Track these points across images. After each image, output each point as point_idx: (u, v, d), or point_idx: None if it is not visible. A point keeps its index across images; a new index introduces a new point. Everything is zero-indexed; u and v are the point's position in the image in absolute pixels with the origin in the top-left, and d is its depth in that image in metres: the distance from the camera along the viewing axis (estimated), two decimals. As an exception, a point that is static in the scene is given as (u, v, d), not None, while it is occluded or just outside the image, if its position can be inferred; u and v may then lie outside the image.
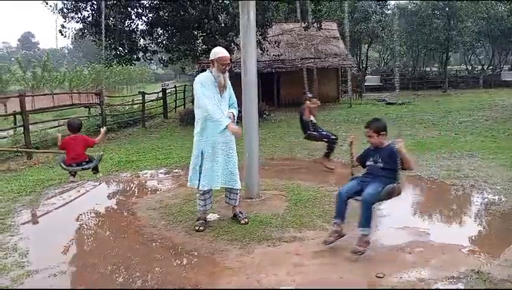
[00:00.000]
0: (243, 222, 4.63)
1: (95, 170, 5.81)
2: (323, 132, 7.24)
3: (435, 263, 3.64)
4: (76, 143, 5.43)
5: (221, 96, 4.53)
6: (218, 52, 4.50)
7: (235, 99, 4.76)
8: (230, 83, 4.66)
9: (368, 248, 3.78)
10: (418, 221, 4.85)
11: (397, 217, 4.90)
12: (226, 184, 4.61)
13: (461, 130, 11.30)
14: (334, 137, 7.24)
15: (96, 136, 5.88)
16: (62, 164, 5.49)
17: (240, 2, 5.64)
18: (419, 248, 3.99)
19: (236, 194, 4.73)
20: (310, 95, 7.21)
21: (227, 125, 4.34)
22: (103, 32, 10.43)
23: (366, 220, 3.79)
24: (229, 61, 4.50)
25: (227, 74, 4.55)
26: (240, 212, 4.77)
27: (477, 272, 3.38)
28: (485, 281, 3.25)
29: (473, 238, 4.36)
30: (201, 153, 4.50)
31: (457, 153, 8.14)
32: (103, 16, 11.65)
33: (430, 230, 4.50)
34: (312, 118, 7.15)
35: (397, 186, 3.87)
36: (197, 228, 4.54)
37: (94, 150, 6.27)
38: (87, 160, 5.52)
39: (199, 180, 4.50)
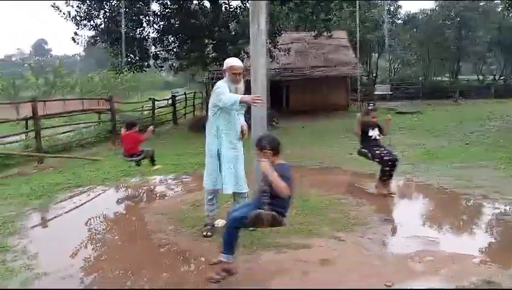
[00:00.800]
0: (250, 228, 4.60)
1: (152, 162, 6.91)
2: (377, 151, 6.05)
3: (445, 272, 3.59)
4: (128, 139, 6.58)
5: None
6: (230, 61, 4.53)
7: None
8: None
9: (226, 277, 3.35)
10: (428, 230, 4.79)
11: (407, 225, 4.87)
12: (235, 188, 4.60)
13: (472, 140, 11.19)
14: (387, 159, 5.95)
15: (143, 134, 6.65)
16: (121, 155, 6.86)
17: (250, 10, 5.67)
18: (429, 257, 3.94)
19: (245, 198, 4.70)
20: (370, 107, 6.55)
21: (240, 99, 4.20)
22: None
23: (226, 245, 3.38)
24: (240, 71, 4.47)
25: (241, 85, 4.50)
26: None
27: (488, 282, 3.33)
28: (495, 291, 3.20)
29: (484, 248, 4.29)
30: (218, 154, 4.51)
31: (468, 163, 8.05)
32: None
33: (440, 239, 4.45)
34: (373, 132, 6.19)
35: (264, 213, 3.21)
36: (204, 233, 4.54)
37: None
38: (137, 153, 6.60)
39: (214, 182, 4.53)
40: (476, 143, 10.58)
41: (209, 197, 4.62)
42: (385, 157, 5.96)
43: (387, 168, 5.94)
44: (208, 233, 4.54)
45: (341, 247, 4.18)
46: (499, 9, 31.42)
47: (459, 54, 29.82)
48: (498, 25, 30.96)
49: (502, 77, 37.11)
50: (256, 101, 4.15)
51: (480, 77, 38.28)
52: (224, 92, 4.33)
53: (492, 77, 38.17)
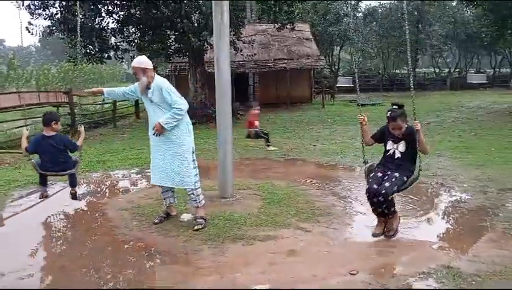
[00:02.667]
0: (195, 228, 4.43)
1: (267, 143, 8.24)
2: (371, 174, 4.35)
3: (406, 259, 3.72)
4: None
5: (149, 99, 4.49)
6: None
7: (173, 100, 4.39)
8: (164, 87, 4.42)
9: (45, 199, 4.82)
10: (389, 219, 4.93)
11: (370, 215, 4.98)
12: (175, 184, 4.60)
13: (429, 130, 11.59)
14: (367, 188, 4.17)
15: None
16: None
17: (213, 1, 5.60)
18: (390, 245, 4.07)
19: (193, 194, 4.56)
20: (388, 114, 4.53)
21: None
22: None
23: (40, 182, 4.85)
24: (135, 71, 4.48)
25: (139, 83, 4.48)
26: (199, 217, 4.56)
27: (447, 267, 3.46)
28: (454, 276, 3.33)
29: (442, 235, 4.48)
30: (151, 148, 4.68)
31: (426, 153, 8.33)
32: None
33: (401, 227, 4.59)
34: (393, 146, 4.53)
35: (32, 163, 4.77)
36: (154, 220, 4.69)
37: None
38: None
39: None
40: (433, 133, 10.97)
41: (161, 189, 4.78)
42: (367, 186, 4.21)
43: (369, 201, 4.22)
44: (155, 220, 4.68)
45: (307, 237, 4.24)
46: (454, 3, 32.59)
47: (416, 47, 30.74)
48: (453, 19, 32.15)
49: (457, 70, 38.62)
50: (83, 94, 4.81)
51: (437, 70, 39.68)
52: None
53: (447, 70, 39.65)
